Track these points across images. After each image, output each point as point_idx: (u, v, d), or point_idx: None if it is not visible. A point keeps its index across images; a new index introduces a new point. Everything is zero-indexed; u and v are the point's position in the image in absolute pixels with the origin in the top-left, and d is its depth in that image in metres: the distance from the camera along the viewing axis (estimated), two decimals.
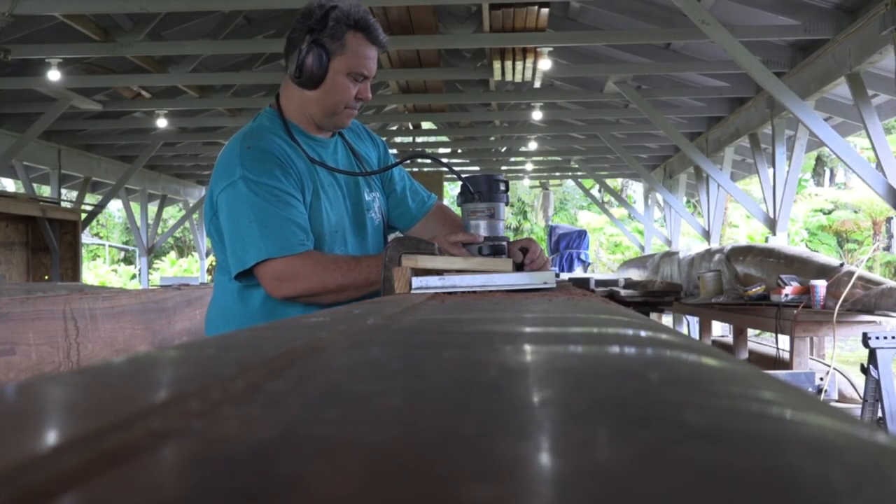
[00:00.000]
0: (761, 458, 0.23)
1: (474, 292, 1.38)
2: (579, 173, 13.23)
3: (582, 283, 6.37)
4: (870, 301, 3.56)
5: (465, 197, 1.62)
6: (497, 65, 6.23)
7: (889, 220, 16.27)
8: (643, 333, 0.60)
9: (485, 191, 1.60)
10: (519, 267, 1.60)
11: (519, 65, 6.21)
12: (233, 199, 1.54)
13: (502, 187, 1.63)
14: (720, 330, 7.26)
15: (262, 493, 0.19)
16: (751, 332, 5.24)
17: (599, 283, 7.25)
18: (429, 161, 12.66)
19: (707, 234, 8.73)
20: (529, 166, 12.90)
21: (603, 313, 0.84)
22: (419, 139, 12.12)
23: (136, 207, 11.90)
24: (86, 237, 14.96)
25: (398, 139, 11.70)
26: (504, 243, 1.62)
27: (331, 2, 1.61)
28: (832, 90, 5.64)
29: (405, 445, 0.24)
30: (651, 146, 10.76)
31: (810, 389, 3.34)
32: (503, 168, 13.17)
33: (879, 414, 3.09)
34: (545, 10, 5.32)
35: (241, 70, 7.35)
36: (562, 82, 8.64)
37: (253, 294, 1.62)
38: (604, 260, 19.68)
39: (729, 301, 4.71)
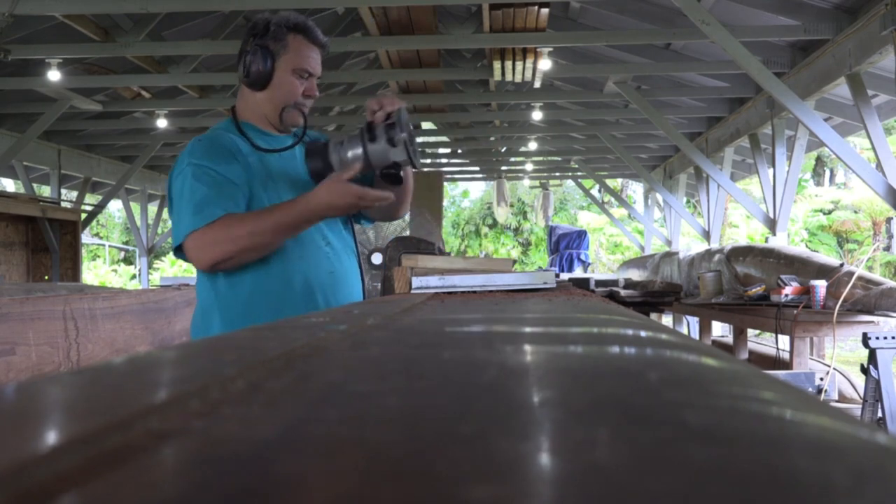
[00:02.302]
0: (761, 458, 0.23)
1: (474, 292, 1.38)
2: (579, 173, 13.22)
3: (582, 284, 6.37)
4: (870, 301, 3.56)
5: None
6: (497, 65, 6.23)
7: (889, 220, 16.27)
8: (643, 333, 0.59)
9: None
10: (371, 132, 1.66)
11: (519, 65, 6.21)
12: (179, 185, 1.64)
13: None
14: (720, 330, 7.26)
15: (262, 493, 0.19)
16: (751, 332, 5.24)
17: (599, 283, 7.25)
18: (429, 161, 12.67)
19: (707, 235, 8.73)
20: (529, 166, 12.90)
21: (603, 313, 0.84)
22: (419, 139, 12.11)
23: (136, 207, 11.89)
24: (86, 237, 14.96)
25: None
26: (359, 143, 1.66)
27: (270, 15, 1.75)
28: (832, 90, 5.64)
29: (405, 446, 0.24)
30: (651, 146, 10.76)
31: (810, 389, 3.34)
32: (503, 168, 13.16)
33: (879, 414, 3.09)
34: (545, 11, 5.32)
35: None
36: (562, 82, 8.64)
37: (236, 284, 1.66)
38: (604, 260, 19.68)
39: (729, 301, 4.71)
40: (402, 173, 1.67)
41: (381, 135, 1.64)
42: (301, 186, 1.73)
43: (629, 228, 15.57)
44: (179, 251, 1.63)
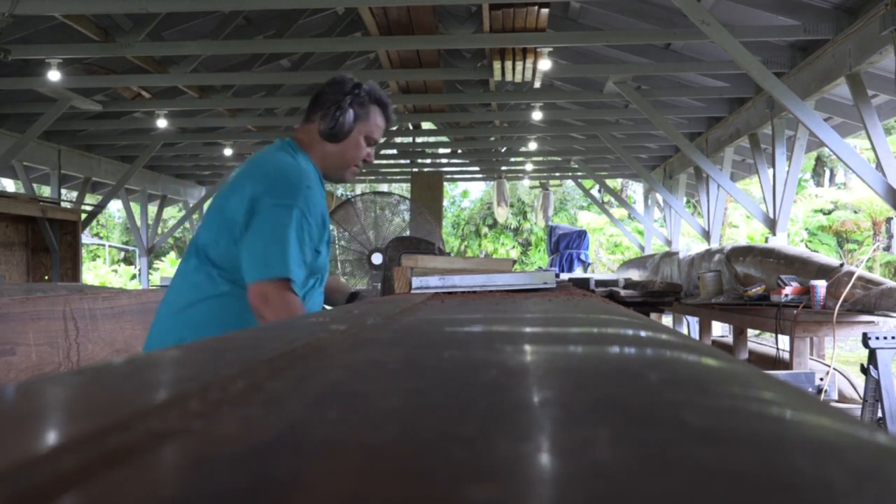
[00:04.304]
0: (761, 458, 0.23)
1: (474, 292, 1.38)
2: (579, 173, 13.21)
3: (582, 284, 6.37)
4: (870, 301, 3.56)
5: None
6: (497, 65, 6.22)
7: (889, 220, 16.27)
8: (643, 333, 0.60)
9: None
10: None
11: (519, 65, 6.21)
12: (283, 221, 1.71)
13: None
14: (720, 330, 7.26)
15: (262, 494, 0.19)
16: (751, 332, 5.24)
17: (599, 283, 7.25)
18: (429, 161, 12.67)
19: (707, 235, 8.73)
20: (529, 166, 12.89)
21: (603, 313, 0.84)
22: (419, 139, 12.12)
23: (136, 208, 11.89)
24: (86, 237, 14.95)
25: (398, 139, 11.69)
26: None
27: (355, 78, 1.94)
28: (832, 90, 5.64)
29: (405, 446, 0.24)
30: (651, 146, 10.76)
31: (810, 389, 3.34)
32: (503, 168, 13.16)
33: (879, 414, 3.09)
34: (545, 11, 5.32)
35: (240, 70, 7.35)
36: (562, 82, 8.64)
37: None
38: (604, 260, 19.67)
39: (729, 301, 4.71)
40: None
41: None
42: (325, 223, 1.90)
43: (629, 228, 15.56)
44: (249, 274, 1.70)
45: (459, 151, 11.67)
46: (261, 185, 1.73)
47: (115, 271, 18.54)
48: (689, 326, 6.96)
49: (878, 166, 5.01)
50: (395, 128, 11.22)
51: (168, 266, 18.88)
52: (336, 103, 1.87)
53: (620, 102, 7.93)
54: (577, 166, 12.27)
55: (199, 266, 1.74)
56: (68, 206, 8.98)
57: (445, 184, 14.95)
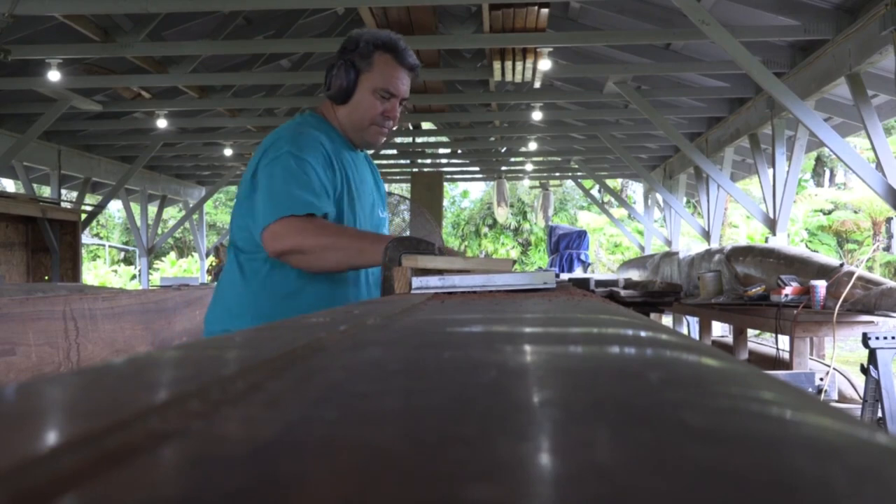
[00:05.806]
0: (761, 458, 0.23)
1: (474, 292, 1.38)
2: (579, 173, 13.21)
3: (582, 284, 6.37)
4: (870, 301, 3.56)
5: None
6: (497, 65, 6.22)
7: (889, 220, 16.27)
8: (643, 334, 0.60)
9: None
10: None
11: (519, 65, 6.21)
12: (274, 169, 1.61)
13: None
14: (720, 330, 7.26)
15: (262, 494, 0.19)
16: (751, 332, 5.24)
17: (599, 283, 7.25)
18: (429, 161, 12.67)
19: (707, 235, 8.73)
20: (529, 166, 12.89)
21: (603, 314, 0.84)
22: (419, 139, 12.11)
23: (136, 208, 11.89)
24: (86, 237, 14.94)
25: (398, 139, 11.69)
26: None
27: (366, 34, 1.75)
28: (832, 90, 5.64)
29: (405, 446, 0.24)
30: (651, 146, 10.76)
31: (810, 389, 3.34)
32: (503, 168, 13.15)
33: (879, 414, 3.09)
34: (545, 11, 5.32)
35: (240, 70, 7.35)
36: (562, 82, 8.64)
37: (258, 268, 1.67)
38: (604, 260, 19.67)
39: (729, 301, 4.71)
40: None
41: None
42: (362, 205, 1.75)
43: (629, 228, 15.56)
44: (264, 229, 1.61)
45: (459, 151, 11.67)
46: (257, 155, 1.66)
47: (115, 271, 18.53)
48: (689, 326, 6.96)
49: (878, 166, 5.01)
50: (395, 127, 11.22)
51: (168, 266, 18.88)
52: (332, 63, 1.72)
53: (620, 102, 7.93)
54: (577, 166, 12.27)
55: (234, 258, 1.70)
56: (68, 206, 8.98)
57: (445, 184, 14.95)
